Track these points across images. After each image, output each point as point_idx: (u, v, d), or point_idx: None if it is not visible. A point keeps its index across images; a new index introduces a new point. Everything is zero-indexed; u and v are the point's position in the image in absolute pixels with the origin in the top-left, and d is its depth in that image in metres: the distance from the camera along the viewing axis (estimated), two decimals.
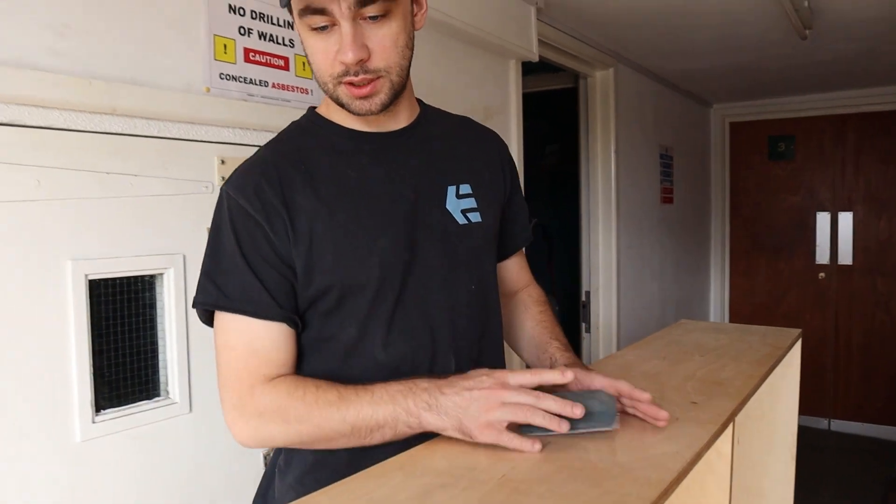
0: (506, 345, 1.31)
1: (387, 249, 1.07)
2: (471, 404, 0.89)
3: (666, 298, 4.21)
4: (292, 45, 1.64)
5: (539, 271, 4.66)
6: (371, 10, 0.97)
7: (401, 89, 1.06)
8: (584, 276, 3.56)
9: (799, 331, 1.74)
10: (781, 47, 3.35)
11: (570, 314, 3.87)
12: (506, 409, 0.88)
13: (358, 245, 1.06)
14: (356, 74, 1.00)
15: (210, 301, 1.03)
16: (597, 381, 1.03)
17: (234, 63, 1.51)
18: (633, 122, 3.76)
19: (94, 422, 1.28)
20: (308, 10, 0.97)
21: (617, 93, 3.51)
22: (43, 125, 1.20)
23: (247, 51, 1.54)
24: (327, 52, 1.00)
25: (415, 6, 1.08)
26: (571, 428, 0.91)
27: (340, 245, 1.05)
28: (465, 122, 1.33)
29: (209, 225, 1.47)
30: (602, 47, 3.32)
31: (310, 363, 1.08)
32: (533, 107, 3.66)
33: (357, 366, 1.07)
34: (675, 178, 4.37)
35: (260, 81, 1.56)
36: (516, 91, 2.68)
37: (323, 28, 0.99)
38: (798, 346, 1.76)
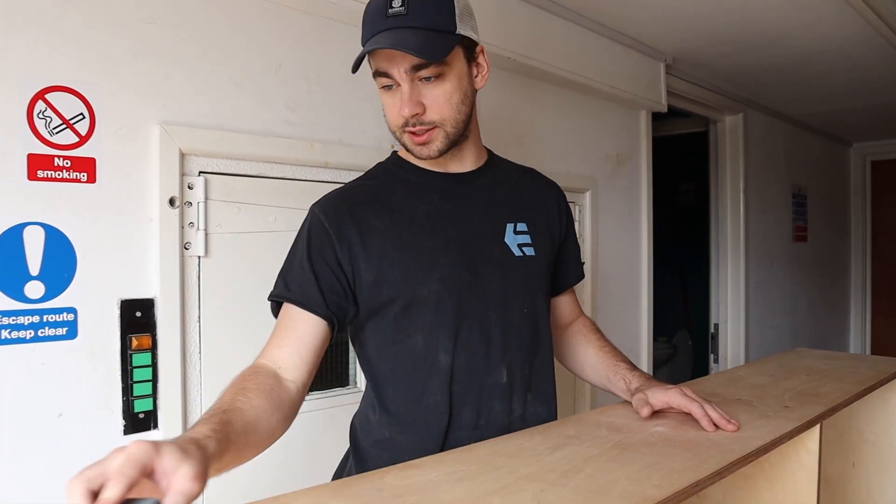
0: (558, 368, 1.38)
1: (448, 267, 1.20)
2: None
3: (798, 333, 4.21)
4: None
5: (673, 306, 4.79)
6: (424, 73, 1.14)
7: (457, 139, 1.21)
8: (712, 309, 3.69)
9: None
10: None
11: (702, 346, 4.00)
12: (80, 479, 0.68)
13: (423, 262, 1.19)
14: (414, 126, 1.17)
15: (276, 293, 1.19)
16: (673, 398, 1.17)
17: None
18: (763, 163, 3.84)
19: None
20: (377, 73, 1.17)
21: (746, 136, 3.62)
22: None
23: None
24: (394, 106, 1.18)
25: (475, 68, 1.23)
26: None
27: (407, 262, 1.19)
28: (529, 172, 1.45)
29: None
30: (731, 94, 3.44)
31: (388, 360, 1.22)
32: (667, 147, 3.84)
33: (423, 368, 1.20)
34: (809, 217, 4.38)
35: None
36: (646, 138, 2.90)
37: (389, 87, 1.17)
38: None
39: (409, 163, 1.29)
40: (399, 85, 1.16)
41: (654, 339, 3.06)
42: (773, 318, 3.97)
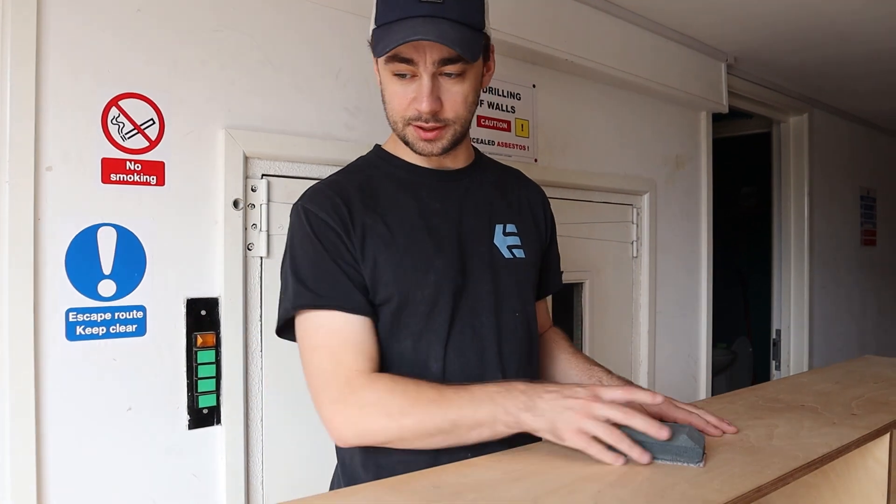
0: None
1: (442, 269, 1.15)
2: (565, 411, 0.93)
3: (866, 341, 4.08)
4: (513, 111, 2.01)
5: (733, 311, 4.69)
6: (450, 69, 1.09)
7: (461, 138, 1.19)
8: (774, 314, 3.60)
9: None
10: None
11: (763, 353, 3.91)
12: (597, 423, 0.91)
13: (416, 263, 1.14)
14: (426, 121, 1.12)
15: (307, 303, 1.09)
16: (679, 413, 1.09)
17: (471, 127, 1.90)
18: (829, 164, 3.74)
19: None
20: (396, 58, 1.08)
21: (812, 136, 3.53)
22: None
23: (479, 117, 1.92)
24: (405, 96, 1.12)
25: (484, 68, 1.20)
26: (656, 458, 0.92)
27: (401, 262, 1.13)
28: (514, 173, 1.41)
29: None
30: (795, 94, 3.36)
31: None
32: (728, 150, 3.77)
33: (413, 374, 1.10)
34: (878, 220, 4.24)
35: (489, 141, 1.93)
36: (706, 140, 2.86)
37: (404, 76, 1.11)
38: None
39: (396, 157, 1.25)
40: (416, 76, 1.11)
41: (714, 346, 3.01)
42: (838, 325, 3.85)
